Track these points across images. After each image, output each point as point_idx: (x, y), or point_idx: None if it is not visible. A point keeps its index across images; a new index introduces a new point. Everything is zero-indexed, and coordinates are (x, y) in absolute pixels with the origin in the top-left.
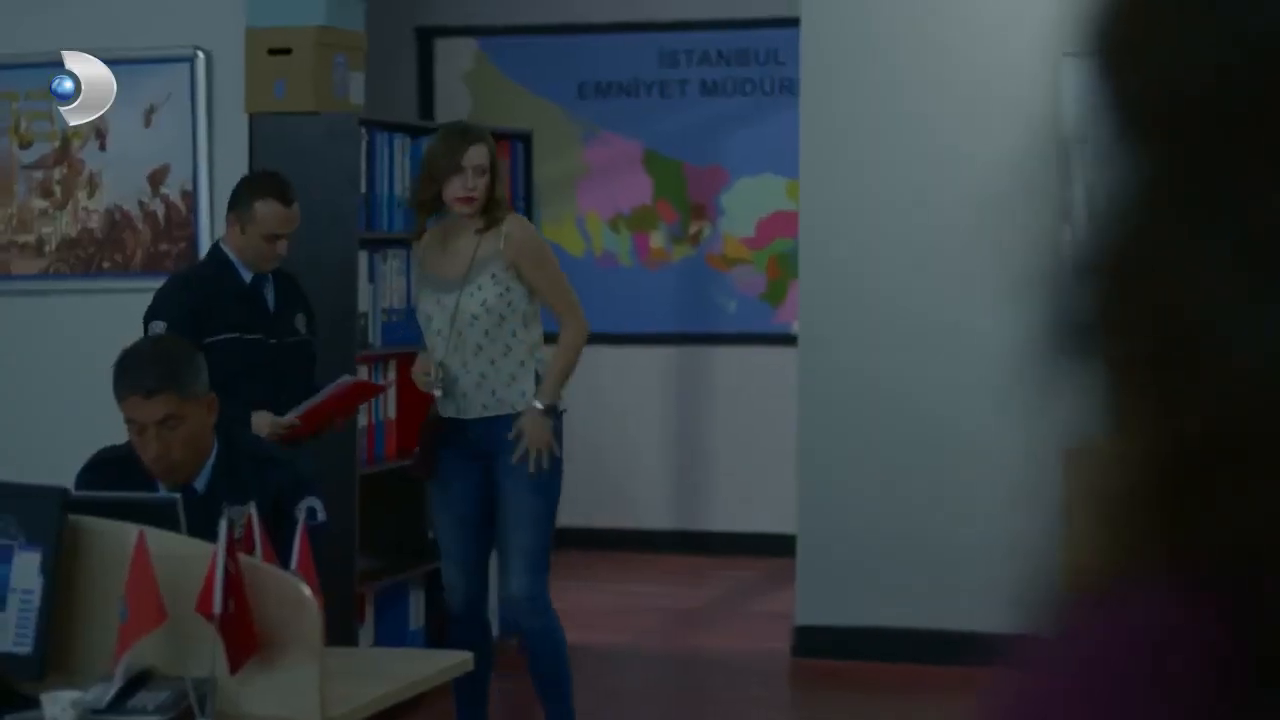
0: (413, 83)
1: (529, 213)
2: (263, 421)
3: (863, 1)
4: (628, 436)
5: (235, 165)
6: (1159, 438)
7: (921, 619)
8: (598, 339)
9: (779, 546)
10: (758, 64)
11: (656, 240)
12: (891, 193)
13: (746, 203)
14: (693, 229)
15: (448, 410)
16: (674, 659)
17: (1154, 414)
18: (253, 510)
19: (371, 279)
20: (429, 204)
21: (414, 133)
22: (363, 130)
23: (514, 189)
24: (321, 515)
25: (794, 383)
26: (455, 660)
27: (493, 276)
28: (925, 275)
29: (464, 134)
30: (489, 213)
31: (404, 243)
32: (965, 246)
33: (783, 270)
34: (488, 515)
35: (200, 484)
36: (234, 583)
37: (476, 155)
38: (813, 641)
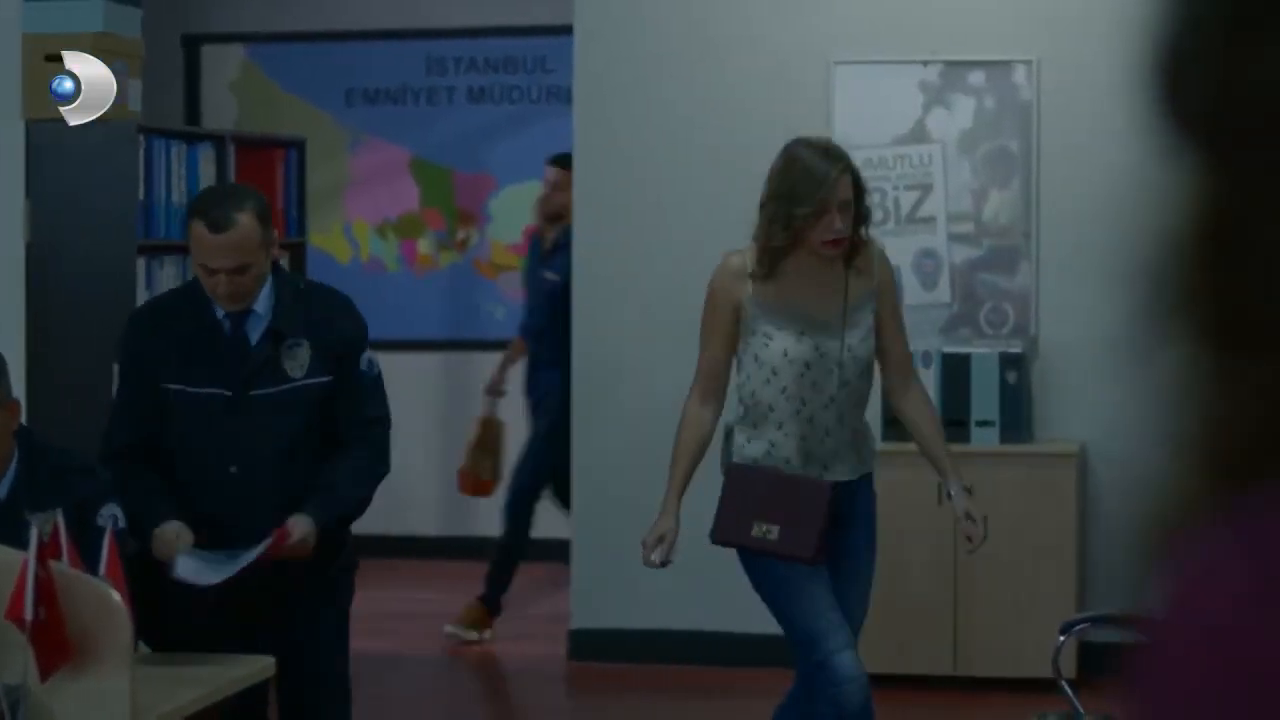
0: (179, 90)
1: (300, 221)
2: (163, 542)
3: (637, 11)
4: (397, 443)
5: (11, 172)
6: (1245, 392)
7: (696, 621)
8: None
9: (550, 551)
10: (525, 72)
11: (424, 247)
12: (665, 201)
13: (514, 210)
14: (460, 236)
15: (812, 473)
16: (450, 664)
17: (1238, 377)
18: (59, 517)
19: (149, 285)
20: (784, 250)
21: (189, 139)
22: (140, 137)
23: (287, 197)
24: (122, 522)
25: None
26: (261, 664)
27: (868, 318)
28: (698, 282)
29: (832, 160)
30: (856, 247)
31: (181, 249)
32: (738, 247)
33: None
34: None
35: (1, 491)
36: (45, 589)
37: (844, 189)
38: (589, 644)
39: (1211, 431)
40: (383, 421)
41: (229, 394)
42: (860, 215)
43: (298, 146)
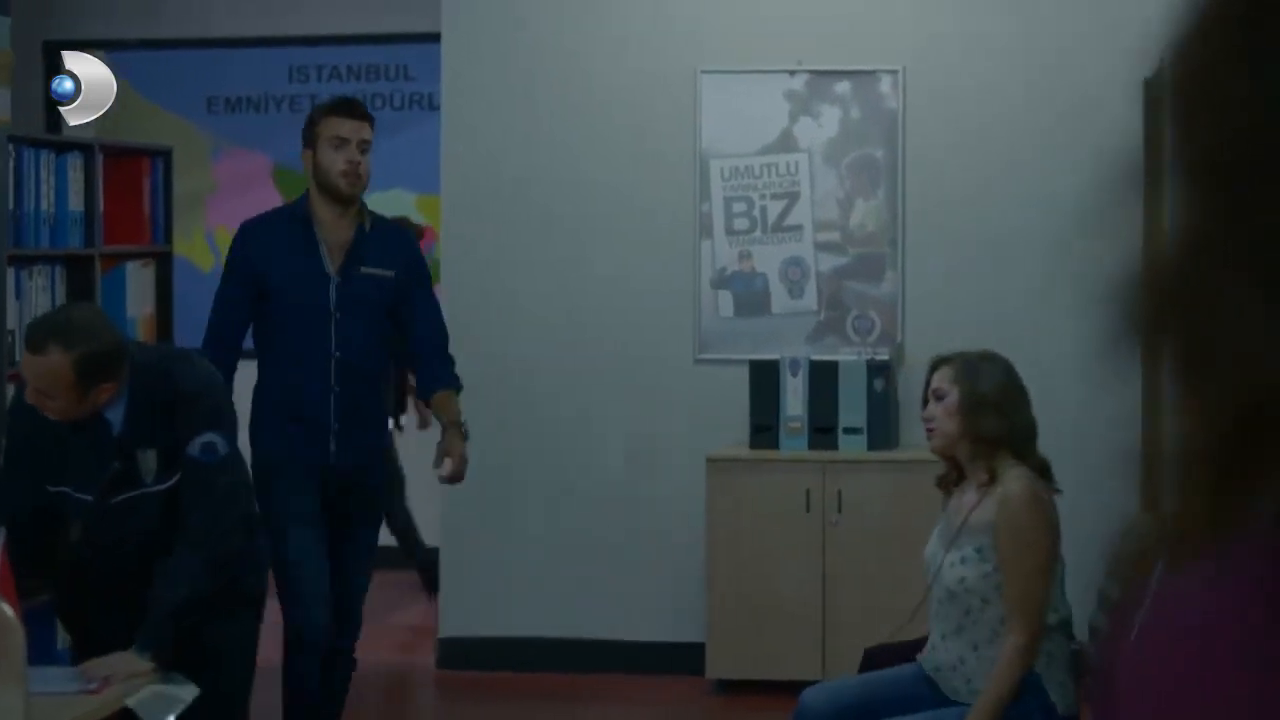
0: (40, 98)
1: (167, 230)
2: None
3: (504, 19)
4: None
5: None
6: (1206, 422)
7: (564, 629)
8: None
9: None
10: (387, 79)
11: None
12: (533, 209)
13: None
14: None
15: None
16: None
17: (1199, 406)
18: None
19: (18, 296)
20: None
21: (58, 148)
22: (10, 146)
23: (154, 206)
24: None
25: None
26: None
27: (978, 550)
28: (569, 290)
29: (945, 354)
30: (979, 454)
31: (51, 259)
32: (601, 259)
33: None
34: None
35: None
36: None
37: (936, 379)
38: (457, 653)
39: (1184, 455)
40: (221, 508)
41: (89, 499)
42: (979, 419)
43: (164, 155)
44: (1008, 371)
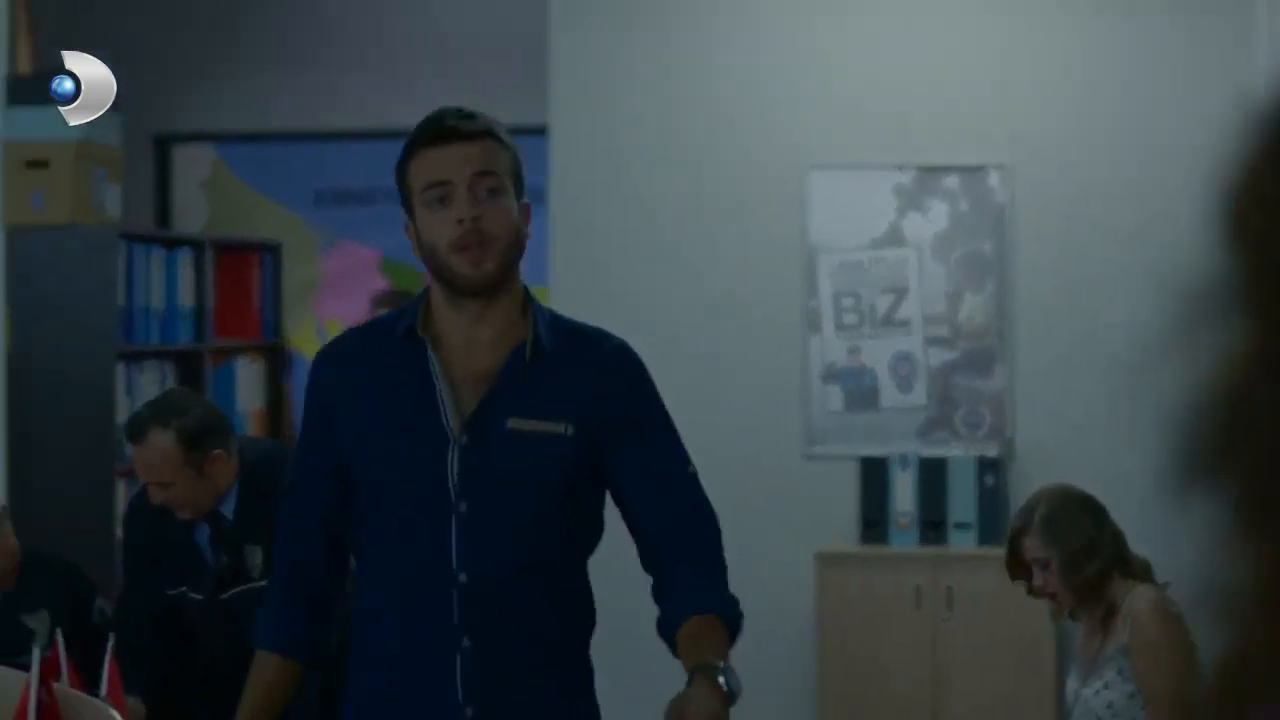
0: (149, 190)
1: (277, 324)
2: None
3: (612, 114)
4: None
5: None
6: (1271, 564)
7: None
8: None
9: None
10: None
11: None
12: (641, 305)
13: None
14: None
15: None
16: None
17: (1265, 543)
18: (59, 636)
19: (129, 391)
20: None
21: (167, 244)
22: (121, 242)
23: (263, 300)
24: (109, 613)
25: None
26: None
27: (1119, 672)
28: (675, 385)
29: (1017, 522)
30: (1093, 596)
31: (161, 355)
32: (709, 353)
33: None
34: None
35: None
36: (48, 714)
37: (1030, 549)
38: None
39: (1256, 593)
40: None
41: (199, 597)
42: (1084, 568)
43: (273, 250)
44: (1075, 502)
